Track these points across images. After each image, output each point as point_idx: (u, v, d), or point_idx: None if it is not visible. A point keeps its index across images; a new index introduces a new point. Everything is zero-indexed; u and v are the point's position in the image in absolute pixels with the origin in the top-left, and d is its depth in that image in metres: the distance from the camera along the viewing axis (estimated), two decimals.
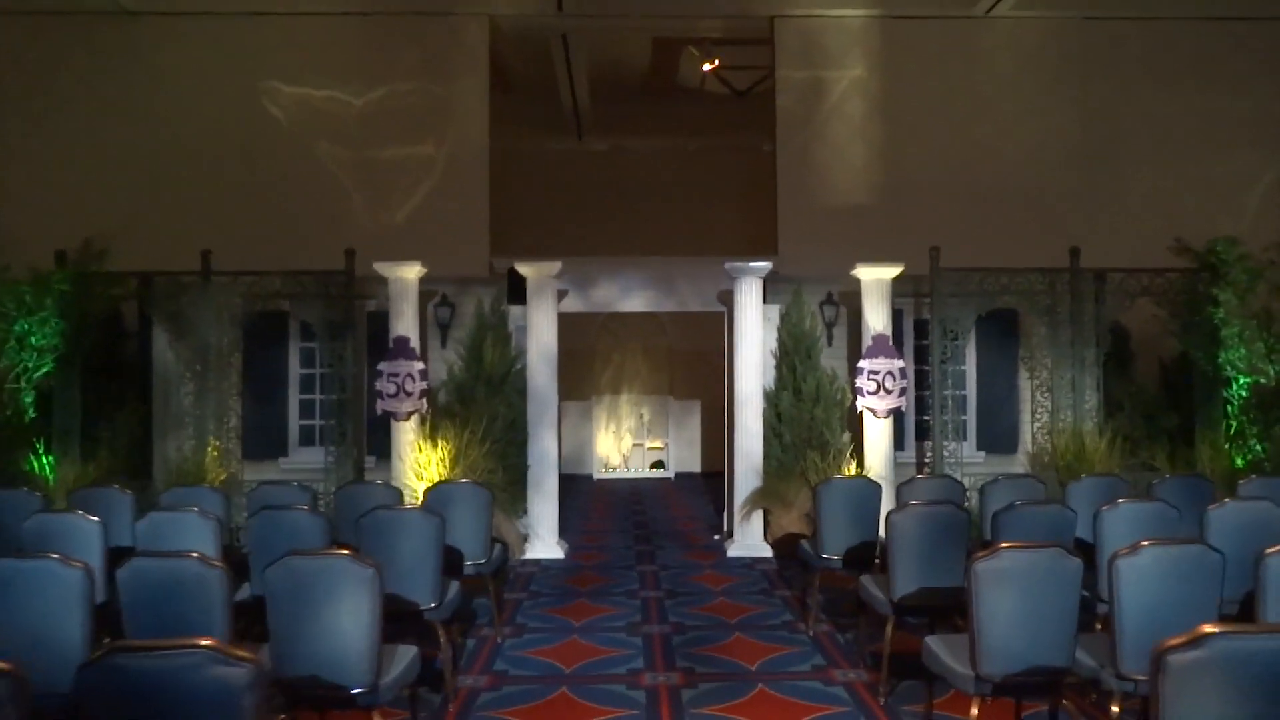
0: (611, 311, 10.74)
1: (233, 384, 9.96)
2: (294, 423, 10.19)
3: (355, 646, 3.92)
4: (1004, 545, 4.09)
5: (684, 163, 14.57)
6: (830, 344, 10.40)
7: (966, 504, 6.65)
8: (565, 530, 10.54)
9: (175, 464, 9.24)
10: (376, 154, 10.68)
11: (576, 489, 13.93)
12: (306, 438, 10.15)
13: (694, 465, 15.28)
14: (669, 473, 14.98)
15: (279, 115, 10.58)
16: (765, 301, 9.79)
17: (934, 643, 4.53)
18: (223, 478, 9.29)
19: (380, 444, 9.56)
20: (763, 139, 11.86)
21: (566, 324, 15.10)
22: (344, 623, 3.91)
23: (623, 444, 15.08)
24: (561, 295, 10.26)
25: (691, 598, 7.64)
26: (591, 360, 15.28)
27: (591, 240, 11.77)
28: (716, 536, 10.18)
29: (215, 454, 9.31)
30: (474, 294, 10.11)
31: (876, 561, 6.82)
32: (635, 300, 10.53)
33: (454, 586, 5.66)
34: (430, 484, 7.33)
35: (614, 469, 15.02)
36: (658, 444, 15.16)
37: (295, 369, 10.18)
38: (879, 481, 7.09)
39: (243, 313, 9.61)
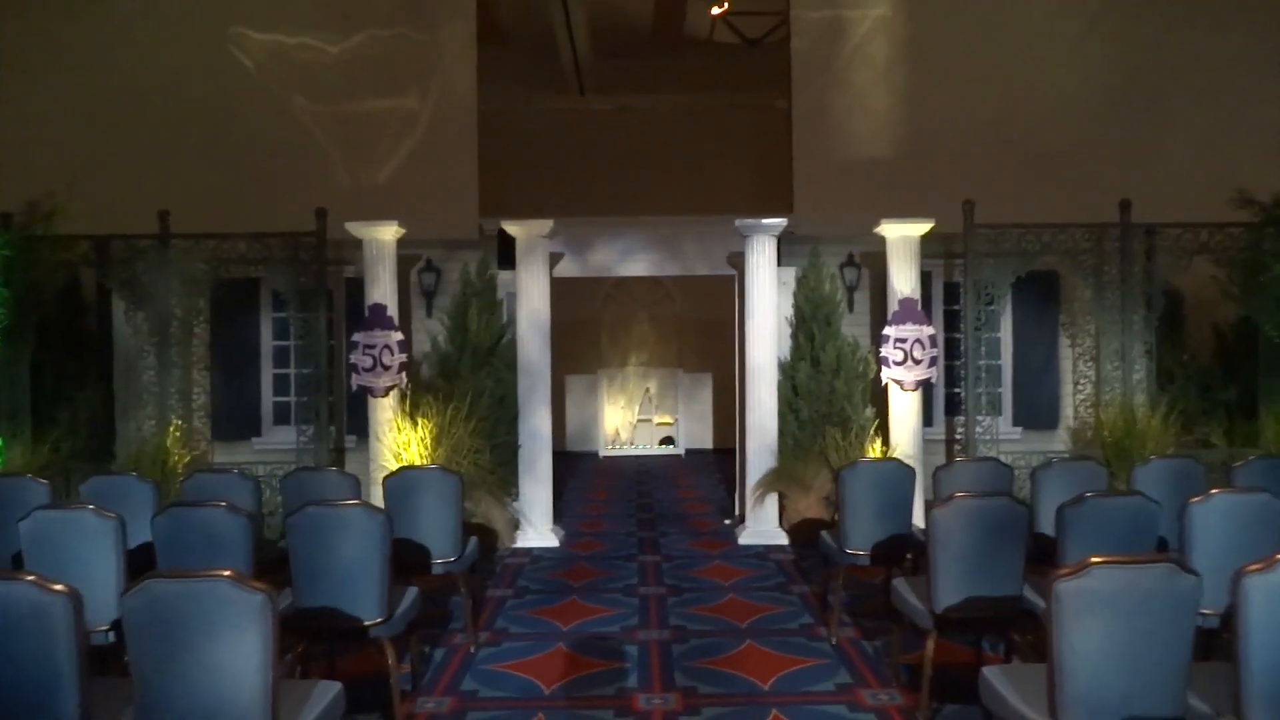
0: (614, 277, 9.65)
1: (200, 358, 9.01)
2: (268, 400, 9.22)
3: (244, 687, 2.94)
4: (1095, 561, 3.04)
5: (692, 121, 13.41)
6: (851, 310, 9.32)
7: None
8: (563, 514, 9.58)
9: (134, 447, 8.30)
10: (355, 107, 9.63)
11: (581, 467, 12.96)
12: (282, 416, 9.19)
13: (705, 441, 14.27)
14: (679, 449, 13.98)
15: (248, 64, 9.53)
16: (780, 264, 8.73)
17: (995, 678, 3.50)
18: (185, 460, 8.35)
19: (361, 423, 8.57)
20: (777, 94, 10.72)
21: (568, 292, 14.07)
22: (227, 661, 2.93)
23: (630, 419, 14.08)
24: (556, 259, 9.23)
25: (697, 595, 6.65)
26: (596, 331, 14.25)
27: (592, 202, 10.70)
28: (727, 521, 9.18)
29: (177, 435, 8.36)
30: (462, 259, 9.09)
31: (908, 559, 5.81)
32: (637, 264, 9.48)
33: (409, 595, 4.69)
34: (395, 469, 6.35)
35: (621, 446, 14.03)
36: (667, 419, 14.15)
37: (268, 341, 9.20)
38: (910, 464, 6.05)
39: (208, 280, 8.63)
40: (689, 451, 13.95)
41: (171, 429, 8.35)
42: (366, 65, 9.59)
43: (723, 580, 7.01)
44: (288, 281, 8.48)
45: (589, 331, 14.21)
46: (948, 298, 9.45)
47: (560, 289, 13.94)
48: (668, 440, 14.13)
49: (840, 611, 5.88)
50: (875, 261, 9.26)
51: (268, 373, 9.20)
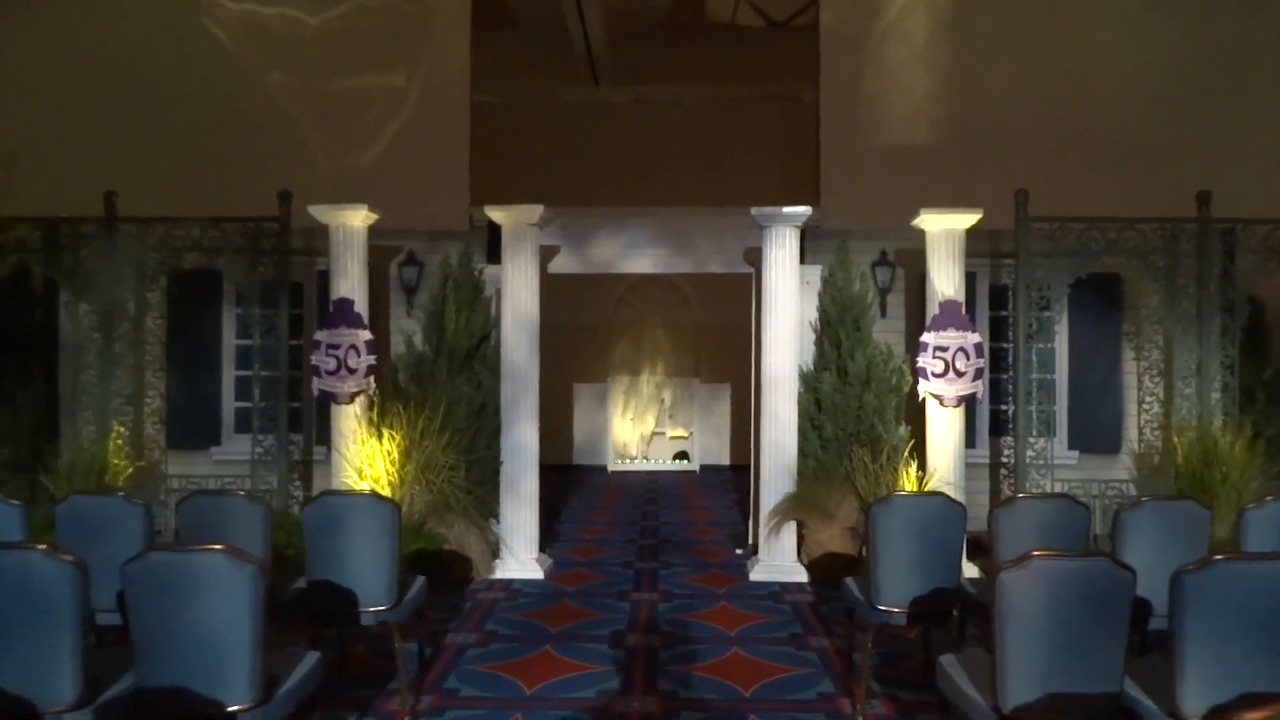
0: (626, 280, 8.46)
1: (155, 357, 7.94)
2: (229, 405, 8.10)
3: None
4: None
5: (712, 113, 12.25)
6: (884, 314, 8.07)
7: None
8: (558, 538, 8.40)
9: (71, 456, 7.20)
10: (336, 84, 8.53)
11: (588, 483, 11.76)
12: (245, 423, 8.04)
13: (722, 457, 13.02)
14: (693, 465, 12.73)
15: (221, 36, 8.45)
16: (804, 261, 7.51)
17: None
18: (128, 473, 7.26)
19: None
20: (804, 85, 9.50)
21: (576, 295, 12.89)
22: None
23: (642, 432, 12.86)
24: (552, 253, 8.06)
25: (695, 649, 5.41)
26: (607, 336, 13.06)
27: (597, 193, 9.54)
28: (739, 551, 7.93)
29: (119, 443, 7.27)
30: (447, 251, 7.94)
31: (956, 617, 4.55)
32: (643, 259, 8.27)
33: (301, 667, 3.50)
34: (315, 496, 5.21)
35: (631, 460, 12.81)
36: (681, 432, 12.91)
37: (231, 340, 8.09)
38: (954, 497, 4.79)
39: (161, 269, 7.56)
40: (704, 468, 12.71)
41: (113, 436, 7.26)
42: (349, 38, 8.50)
43: (727, 628, 5.77)
44: (247, 273, 7.38)
45: (599, 337, 13.02)
46: (994, 302, 8.16)
47: (568, 291, 12.80)
48: (682, 455, 12.90)
49: (869, 678, 4.64)
50: (912, 260, 8.02)
51: (229, 375, 8.09)
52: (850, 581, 4.76)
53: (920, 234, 7.26)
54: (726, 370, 12.74)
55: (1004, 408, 8.01)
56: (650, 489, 11.34)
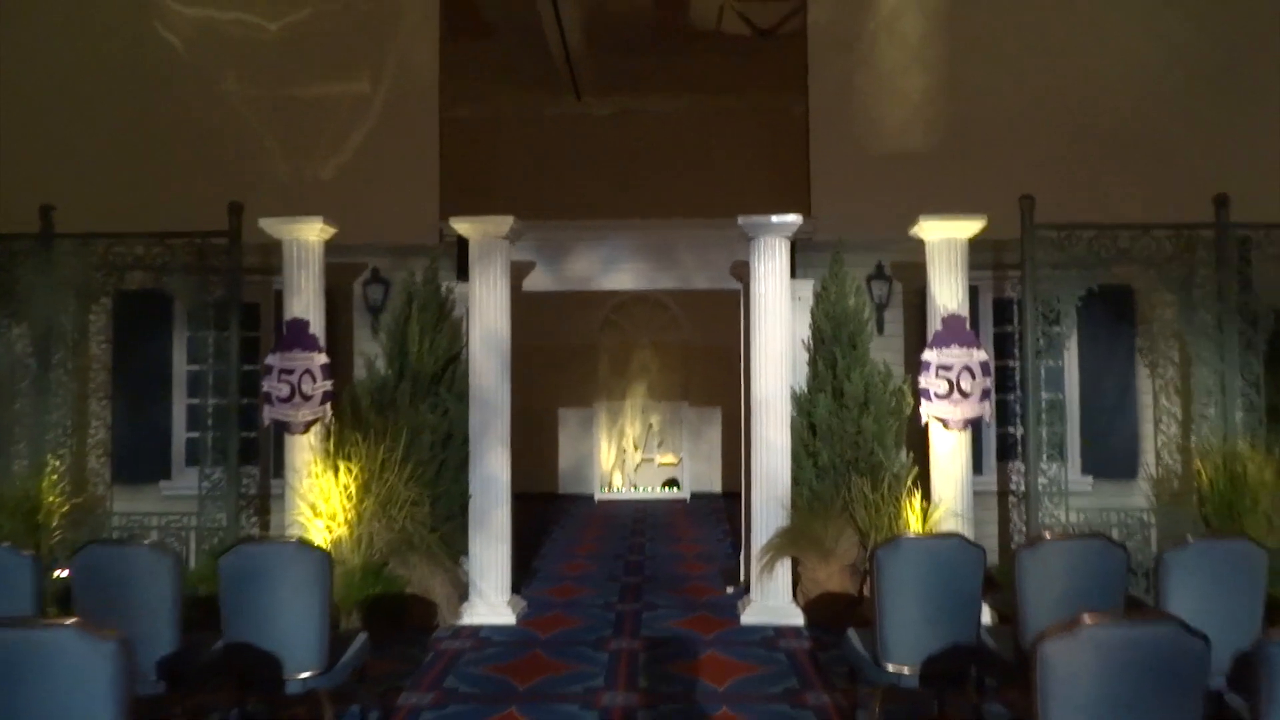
0: (597, 291, 7.85)
1: (99, 385, 7.32)
2: (179, 435, 7.46)
3: None
4: None
5: (698, 125, 11.73)
6: (881, 331, 7.48)
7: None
8: (537, 575, 7.76)
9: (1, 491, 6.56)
10: (297, 92, 7.98)
11: (572, 513, 11.11)
12: (198, 455, 7.43)
13: (713, 484, 12.38)
14: (683, 493, 12.09)
15: (174, 41, 7.90)
16: (795, 276, 6.94)
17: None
18: (64, 510, 6.62)
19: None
20: (792, 96, 8.96)
21: (561, 315, 12.25)
22: None
23: (629, 459, 12.22)
24: (527, 269, 7.48)
25: (679, 709, 4.76)
26: (593, 359, 12.45)
27: (575, 206, 8.97)
28: (730, 589, 7.28)
29: (54, 478, 6.63)
30: (417, 268, 7.34)
31: (975, 676, 3.92)
32: (623, 275, 7.68)
33: None
34: (231, 545, 4.58)
35: (618, 489, 12.16)
36: (670, 459, 12.28)
37: (181, 365, 7.46)
38: (963, 530, 4.17)
39: (106, 290, 6.95)
40: (694, 496, 12.06)
41: (47, 471, 6.62)
42: (311, 42, 7.95)
43: (715, 683, 5.12)
44: (195, 292, 6.77)
45: (585, 359, 12.42)
46: (998, 317, 7.58)
47: (551, 312, 12.19)
48: (671, 483, 12.25)
49: None
50: (910, 273, 7.45)
51: (180, 403, 7.45)
52: (853, 635, 4.14)
53: (919, 245, 6.70)
54: (717, 393, 12.15)
55: (1011, 431, 7.43)
56: (638, 519, 10.69)
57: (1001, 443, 7.48)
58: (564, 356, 12.31)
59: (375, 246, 7.62)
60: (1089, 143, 7.50)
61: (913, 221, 6.62)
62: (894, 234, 7.21)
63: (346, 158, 7.98)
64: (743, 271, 7.42)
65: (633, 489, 12.11)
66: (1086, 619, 2.42)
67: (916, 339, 7.47)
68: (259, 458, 7.28)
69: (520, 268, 7.49)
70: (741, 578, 7.45)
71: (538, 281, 7.55)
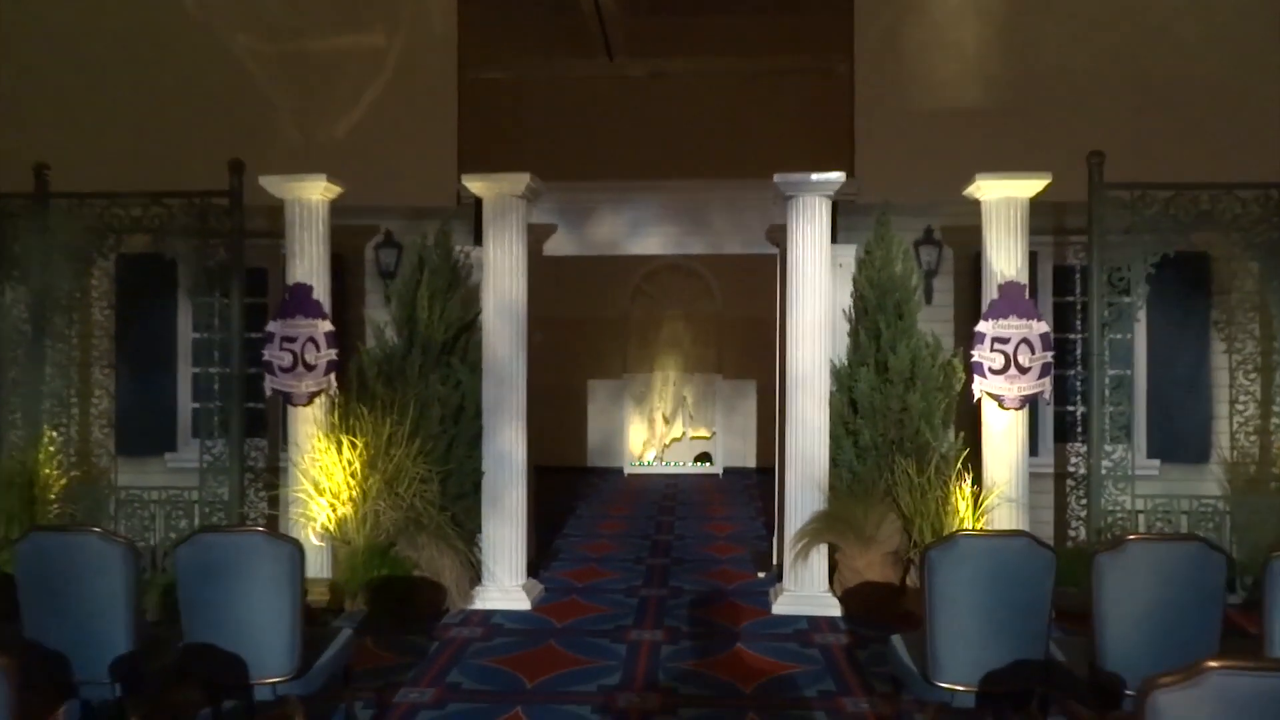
0: (623, 256, 7.31)
1: (103, 352, 6.93)
2: (185, 405, 7.07)
3: None
4: None
5: (735, 87, 11.06)
6: (930, 301, 6.86)
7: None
8: (559, 554, 7.30)
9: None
10: (308, 46, 7.48)
11: (600, 488, 10.64)
12: (205, 426, 7.04)
13: (746, 459, 11.83)
14: (716, 468, 11.55)
15: None
16: (835, 241, 6.33)
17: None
18: (61, 483, 6.26)
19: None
20: (837, 57, 8.27)
21: (589, 285, 11.72)
22: None
23: (660, 432, 11.70)
24: (548, 233, 6.95)
25: (702, 714, 4.26)
26: (623, 330, 11.91)
27: (607, 170, 8.39)
28: (761, 575, 6.76)
29: (51, 449, 6.26)
30: (431, 231, 6.83)
31: (1040, 696, 3.36)
32: (651, 239, 7.11)
33: None
34: (188, 535, 4.14)
35: (649, 463, 11.66)
36: (703, 433, 11.74)
37: (187, 333, 7.05)
38: (1019, 517, 3.59)
39: (104, 252, 6.54)
40: (727, 471, 11.53)
41: (44, 441, 6.25)
42: None
43: (743, 683, 4.61)
44: (194, 256, 6.33)
45: (615, 330, 11.88)
46: (1058, 286, 6.90)
47: (580, 282, 11.65)
48: (704, 457, 11.72)
49: None
50: (962, 238, 6.81)
51: (186, 372, 7.05)
52: (899, 644, 3.59)
53: (973, 207, 6.07)
54: (752, 366, 11.56)
55: (1070, 409, 6.78)
56: (668, 495, 10.19)
57: (1059, 422, 6.83)
58: (593, 328, 11.79)
59: (388, 208, 7.13)
60: (1161, 96, 6.77)
61: (967, 181, 5.98)
62: (944, 196, 6.63)
63: (359, 115, 7.47)
64: (779, 236, 6.82)
65: (663, 463, 11.60)
66: (1212, 666, 1.85)
67: (969, 310, 6.86)
68: (267, 430, 6.87)
69: (540, 231, 6.97)
70: (774, 562, 6.92)
71: (560, 246, 7.02)
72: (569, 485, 10.65)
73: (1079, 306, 6.79)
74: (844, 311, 6.52)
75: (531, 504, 6.92)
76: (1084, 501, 6.64)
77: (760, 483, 10.86)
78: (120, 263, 6.84)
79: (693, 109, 10.69)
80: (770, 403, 11.65)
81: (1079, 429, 6.75)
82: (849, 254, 6.77)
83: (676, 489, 10.58)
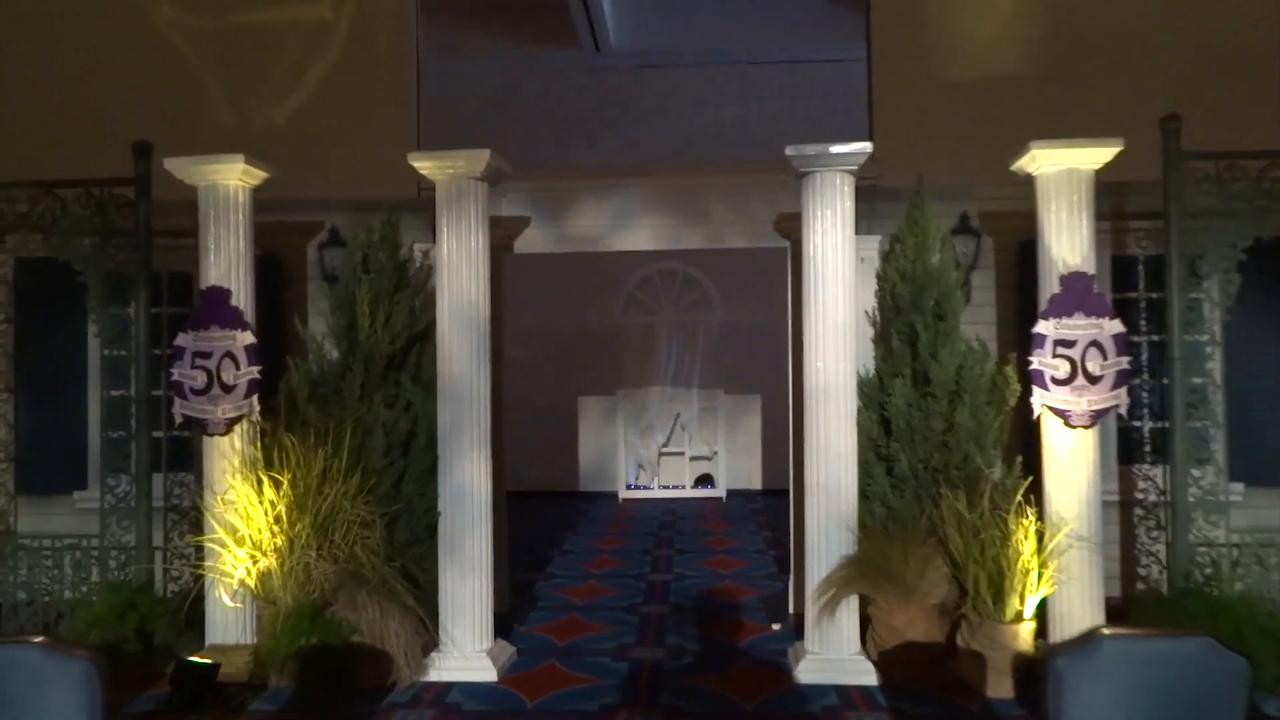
0: (605, 251, 6.14)
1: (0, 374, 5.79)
2: (95, 435, 5.91)
3: None
4: None
5: (735, 68, 9.99)
6: (968, 300, 5.72)
7: None
8: (539, 601, 6.12)
9: None
10: (244, 18, 6.39)
11: (592, 515, 9.48)
12: (119, 459, 5.88)
13: (751, 481, 10.68)
14: (718, 491, 10.39)
15: None
16: (855, 231, 5.18)
17: None
18: None
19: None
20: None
21: (578, 295, 10.61)
22: None
23: (657, 453, 10.53)
24: (520, 226, 5.83)
25: None
26: (616, 342, 10.78)
27: (593, 161, 7.29)
28: (777, 626, 5.58)
29: None
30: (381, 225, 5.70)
31: None
32: (639, 233, 5.97)
33: None
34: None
35: (644, 486, 10.48)
36: (704, 452, 10.58)
37: (96, 351, 5.90)
38: (1216, 640, 2.40)
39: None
40: (730, 494, 10.36)
41: None
42: None
43: None
44: (94, 257, 5.20)
45: (607, 343, 10.75)
46: (1118, 280, 5.77)
47: (565, 290, 10.56)
48: (704, 479, 10.56)
49: None
50: (1002, 226, 5.73)
51: (95, 396, 5.89)
52: None
53: (1015, 190, 4.98)
54: (756, 379, 10.44)
55: (1135, 425, 5.63)
56: (666, 523, 9.02)
57: (1123, 440, 5.69)
58: (583, 340, 10.67)
59: (334, 201, 6.02)
60: (1237, 55, 5.67)
61: (1005, 160, 4.88)
62: (981, 177, 5.55)
63: (303, 98, 6.38)
64: (791, 226, 5.71)
65: (661, 486, 10.43)
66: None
67: (1013, 310, 5.75)
68: (196, 462, 5.71)
69: (511, 225, 5.85)
70: (791, 609, 5.76)
71: (534, 242, 5.89)
72: (558, 513, 9.50)
73: (1143, 304, 5.68)
74: (867, 314, 5.39)
75: (503, 545, 5.77)
76: (1155, 534, 5.52)
77: (767, 507, 9.70)
78: (19, 268, 5.71)
79: (688, 92, 9.63)
80: (775, 418, 10.58)
81: (1147, 448, 5.62)
82: (871, 246, 5.66)
83: (675, 515, 9.41)
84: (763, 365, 10.32)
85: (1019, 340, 5.51)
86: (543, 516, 9.31)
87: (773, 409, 10.47)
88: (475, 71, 9.97)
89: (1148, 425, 5.61)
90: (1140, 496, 5.57)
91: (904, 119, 6.10)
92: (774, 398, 10.28)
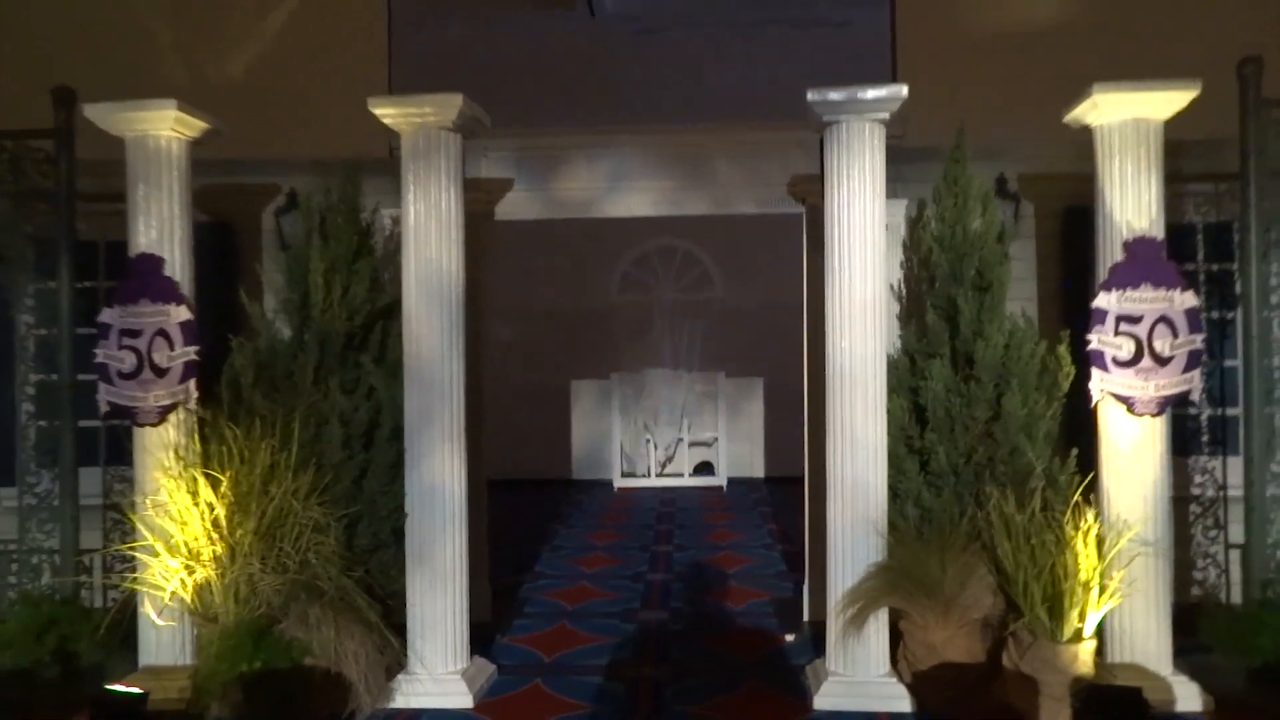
0: (598, 218, 5.41)
1: None
2: (24, 423, 5.19)
3: None
4: None
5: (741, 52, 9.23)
6: None
7: None
8: (524, 606, 5.45)
9: None
10: None
11: (586, 507, 8.81)
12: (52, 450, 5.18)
13: (754, 468, 10.01)
14: (719, 479, 9.71)
15: None
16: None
17: None
18: None
19: None
20: None
21: (571, 273, 9.93)
22: None
23: (654, 438, 9.84)
24: (501, 189, 5.11)
25: None
26: (611, 322, 10.07)
27: (581, 118, 6.56)
28: (791, 637, 4.92)
29: None
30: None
31: None
32: (636, 197, 5.26)
33: None
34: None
35: (641, 474, 9.80)
36: (703, 439, 9.90)
37: (24, 329, 5.17)
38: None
39: None
40: (732, 482, 9.68)
41: None
42: None
43: None
44: (10, 221, 4.48)
45: (601, 324, 10.04)
46: (1173, 252, 5.05)
47: (557, 267, 9.84)
48: (704, 467, 9.89)
49: None
50: (1044, 190, 5.06)
51: (24, 380, 5.16)
52: None
53: (1063, 148, 4.33)
54: (758, 361, 9.75)
55: (1191, 412, 4.97)
56: (663, 515, 8.35)
57: (1177, 428, 5.01)
58: (576, 321, 9.96)
59: (295, 162, 5.29)
60: None
61: (1053, 109, 4.18)
62: (1020, 136, 4.87)
63: (261, 47, 5.64)
64: (807, 189, 5.01)
65: (659, 475, 9.75)
66: None
67: (1057, 284, 5.06)
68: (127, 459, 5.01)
69: (492, 187, 5.13)
70: (806, 615, 5.10)
71: (518, 207, 5.17)
72: (550, 503, 8.82)
73: (1203, 277, 5.00)
74: (891, 289, 4.69)
75: (483, 545, 5.11)
76: (1213, 534, 4.87)
77: (771, 496, 9.04)
78: None
79: (689, 58, 8.88)
80: (779, 402, 9.91)
81: (1204, 438, 4.96)
82: (896, 212, 4.96)
83: (674, 506, 8.74)
84: (766, 346, 9.64)
85: (1064, 318, 4.84)
86: (533, 507, 8.63)
87: (776, 393, 9.80)
88: (459, 37, 9.23)
89: (1205, 412, 4.95)
90: (1196, 492, 4.92)
91: (932, 71, 5.37)
92: (777, 381, 9.62)
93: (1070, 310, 5.00)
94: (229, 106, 4.92)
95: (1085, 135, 4.20)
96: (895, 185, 5.06)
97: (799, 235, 5.24)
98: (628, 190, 5.21)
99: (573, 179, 5.21)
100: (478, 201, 5.01)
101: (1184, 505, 4.94)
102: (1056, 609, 3.74)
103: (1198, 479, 4.91)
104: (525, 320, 9.94)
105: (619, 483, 9.62)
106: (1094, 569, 3.75)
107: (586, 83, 9.21)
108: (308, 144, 5.33)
